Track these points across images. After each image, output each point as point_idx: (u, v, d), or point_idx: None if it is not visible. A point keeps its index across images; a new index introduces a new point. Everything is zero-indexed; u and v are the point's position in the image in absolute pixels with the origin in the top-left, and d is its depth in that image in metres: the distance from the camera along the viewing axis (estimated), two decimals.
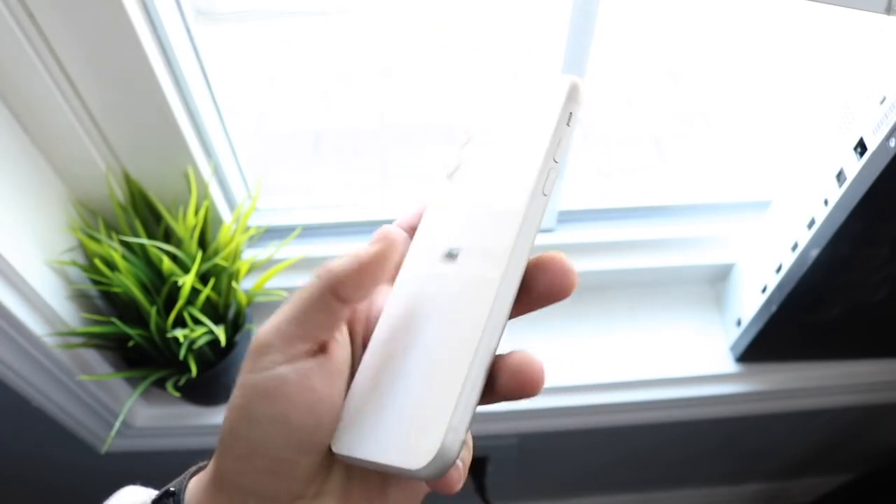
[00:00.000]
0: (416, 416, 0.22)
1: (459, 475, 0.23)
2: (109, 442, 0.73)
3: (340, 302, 0.24)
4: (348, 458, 0.24)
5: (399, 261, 0.25)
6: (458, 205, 0.26)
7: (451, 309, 0.24)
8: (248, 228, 0.70)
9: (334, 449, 0.24)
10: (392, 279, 0.27)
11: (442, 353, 0.23)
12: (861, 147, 0.51)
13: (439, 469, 0.21)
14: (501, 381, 0.23)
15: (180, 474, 0.27)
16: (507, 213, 0.24)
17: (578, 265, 0.48)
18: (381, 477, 0.25)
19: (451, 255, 0.25)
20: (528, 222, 0.23)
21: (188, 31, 0.59)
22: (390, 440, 0.23)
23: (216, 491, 0.24)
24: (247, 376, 0.24)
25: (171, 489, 0.26)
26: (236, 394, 0.24)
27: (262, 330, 0.24)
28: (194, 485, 0.25)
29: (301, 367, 0.23)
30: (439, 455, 0.21)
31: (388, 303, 0.26)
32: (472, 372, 0.22)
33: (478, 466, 0.92)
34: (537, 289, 0.23)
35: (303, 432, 0.23)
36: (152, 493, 0.26)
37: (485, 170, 0.26)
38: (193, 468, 0.27)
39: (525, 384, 0.22)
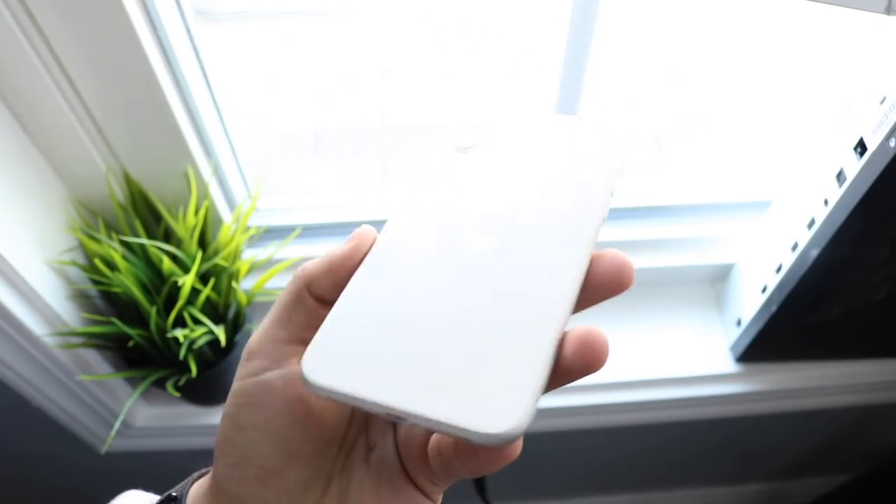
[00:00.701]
0: (491, 375, 0.20)
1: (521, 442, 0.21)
2: (109, 442, 0.73)
3: (318, 301, 0.24)
4: (354, 398, 0.20)
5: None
6: (493, 177, 0.27)
7: (531, 269, 0.23)
8: (248, 228, 0.70)
9: (318, 381, 0.21)
10: None
11: (525, 312, 0.22)
12: (861, 147, 0.51)
13: (506, 440, 0.19)
14: (566, 354, 0.21)
15: (180, 474, 0.27)
16: (583, 203, 0.25)
17: None
18: (377, 496, 0.24)
19: (499, 217, 0.25)
20: (598, 224, 0.24)
21: (188, 31, 0.59)
22: (442, 393, 0.20)
23: (213, 499, 0.24)
24: (236, 383, 0.23)
25: (174, 494, 0.25)
26: (227, 401, 0.24)
27: (252, 335, 0.24)
28: (195, 491, 0.25)
29: (287, 373, 0.23)
30: (518, 425, 0.19)
31: (399, 236, 0.25)
32: (557, 337, 0.21)
33: None
34: (598, 282, 0.23)
35: (289, 442, 0.23)
36: (154, 498, 0.26)
37: (529, 171, 0.27)
38: (196, 474, 0.27)
39: (590, 355, 0.21)
